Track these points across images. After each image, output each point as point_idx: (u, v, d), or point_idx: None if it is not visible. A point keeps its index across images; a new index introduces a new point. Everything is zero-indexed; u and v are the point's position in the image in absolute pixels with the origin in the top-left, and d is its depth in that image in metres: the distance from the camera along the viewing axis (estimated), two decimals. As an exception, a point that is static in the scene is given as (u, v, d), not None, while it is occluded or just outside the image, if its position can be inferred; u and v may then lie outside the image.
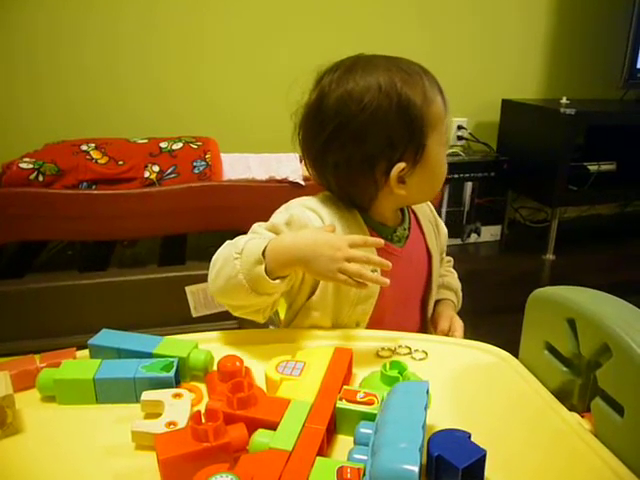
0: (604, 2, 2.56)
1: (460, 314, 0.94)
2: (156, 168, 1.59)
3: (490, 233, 2.49)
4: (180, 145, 1.66)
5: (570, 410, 0.59)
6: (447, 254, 1.01)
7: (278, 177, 1.64)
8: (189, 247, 1.75)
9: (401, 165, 0.75)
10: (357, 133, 0.73)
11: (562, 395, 0.60)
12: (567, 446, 0.54)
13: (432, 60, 2.42)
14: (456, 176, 2.32)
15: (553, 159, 2.26)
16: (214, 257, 0.72)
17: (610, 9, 2.54)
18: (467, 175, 2.35)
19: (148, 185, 1.58)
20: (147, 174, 1.58)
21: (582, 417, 0.58)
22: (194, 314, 1.55)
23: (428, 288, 0.88)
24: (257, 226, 0.77)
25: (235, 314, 0.74)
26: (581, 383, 0.59)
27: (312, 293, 0.78)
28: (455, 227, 2.40)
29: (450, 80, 2.47)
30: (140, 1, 1.96)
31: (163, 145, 1.65)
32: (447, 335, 0.86)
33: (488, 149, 2.52)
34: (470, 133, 2.53)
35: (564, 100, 2.34)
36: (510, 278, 2.03)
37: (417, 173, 0.77)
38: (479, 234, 2.47)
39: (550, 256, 2.35)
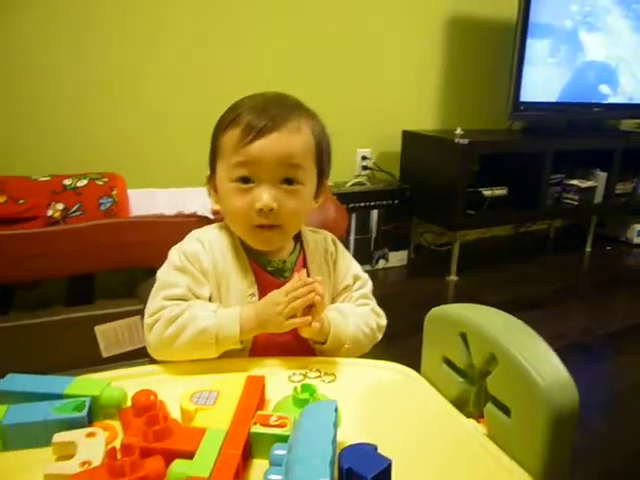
0: (490, 41, 2.80)
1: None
2: (60, 206, 1.55)
3: (397, 258, 2.60)
4: (85, 182, 1.63)
5: (467, 417, 0.64)
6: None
7: (186, 212, 1.64)
8: (98, 285, 1.70)
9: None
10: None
11: (460, 404, 0.66)
12: (466, 450, 0.59)
13: (338, 95, 2.52)
14: (362, 204, 2.42)
15: (451, 186, 2.41)
16: (167, 332, 0.75)
17: (495, 47, 2.78)
18: (372, 203, 2.45)
19: (52, 224, 1.54)
20: (50, 212, 1.53)
21: (478, 422, 0.63)
22: (105, 354, 1.51)
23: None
24: (164, 274, 0.81)
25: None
26: (475, 391, 0.64)
27: None
28: (364, 254, 2.49)
29: (355, 113, 2.60)
30: (34, 29, 1.92)
31: (67, 182, 1.61)
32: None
33: (392, 178, 2.64)
34: (374, 163, 2.65)
35: (458, 131, 2.51)
36: (417, 300, 2.12)
37: (219, 197, 0.84)
38: (387, 260, 2.57)
39: (453, 277, 2.49)
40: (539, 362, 0.55)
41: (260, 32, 2.26)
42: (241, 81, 2.18)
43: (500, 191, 2.62)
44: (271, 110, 0.78)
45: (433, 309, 0.70)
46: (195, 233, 0.87)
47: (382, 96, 2.64)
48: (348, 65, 2.51)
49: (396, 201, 2.50)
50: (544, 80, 2.70)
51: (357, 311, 0.87)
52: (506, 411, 0.57)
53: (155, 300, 0.79)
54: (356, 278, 0.92)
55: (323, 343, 0.81)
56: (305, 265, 0.88)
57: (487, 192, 2.57)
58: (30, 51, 1.90)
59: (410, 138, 2.64)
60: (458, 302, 0.71)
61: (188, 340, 0.75)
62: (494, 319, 0.62)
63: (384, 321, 0.90)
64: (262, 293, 0.82)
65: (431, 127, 2.81)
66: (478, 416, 0.64)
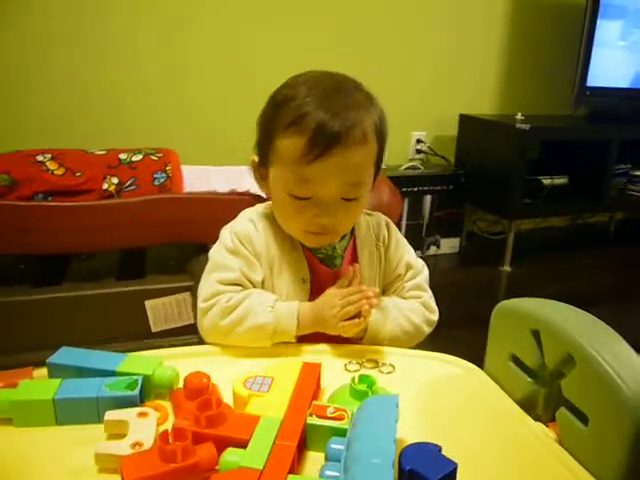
0: (556, 23, 2.66)
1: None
2: (115, 180, 1.56)
3: (449, 245, 2.53)
4: (140, 157, 1.63)
5: (535, 420, 0.60)
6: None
7: (240, 190, 1.63)
8: (149, 260, 1.71)
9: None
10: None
11: (527, 405, 0.62)
12: (534, 455, 0.55)
13: (395, 76, 2.46)
14: (415, 189, 2.36)
15: (508, 173, 2.32)
16: (224, 322, 0.74)
17: (561, 29, 2.64)
18: (426, 188, 2.38)
19: (107, 197, 1.55)
20: (106, 186, 1.55)
21: (547, 427, 0.59)
22: (154, 329, 1.52)
23: None
24: (216, 255, 0.79)
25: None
26: (545, 393, 0.60)
27: None
28: (415, 240, 2.43)
29: (410, 95, 2.53)
30: (101, 13, 1.93)
31: (122, 157, 1.62)
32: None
33: (446, 162, 2.57)
34: (428, 147, 2.57)
35: (519, 116, 2.40)
36: (468, 290, 2.06)
37: (269, 190, 0.80)
38: (438, 246, 2.51)
39: (507, 267, 2.41)
40: (623, 367, 0.50)
41: (315, 7, 2.21)
42: (295, 60, 2.15)
43: (560, 180, 2.52)
44: (334, 107, 0.71)
45: (502, 302, 0.65)
46: (247, 213, 0.84)
47: (440, 78, 2.55)
48: (407, 45, 2.43)
49: (450, 187, 2.43)
50: (613, 64, 2.56)
51: (401, 306, 0.81)
52: (583, 418, 0.53)
53: (208, 283, 0.77)
54: (409, 267, 0.86)
55: (360, 339, 0.78)
56: (355, 251, 0.85)
57: (546, 181, 2.47)
58: (101, 27, 1.92)
59: (467, 122, 2.55)
60: (511, 294, 0.66)
61: (244, 332, 0.74)
62: (572, 317, 0.57)
63: (435, 316, 0.85)
64: (313, 279, 0.81)
65: (489, 111, 2.71)
66: (546, 420, 0.60)
